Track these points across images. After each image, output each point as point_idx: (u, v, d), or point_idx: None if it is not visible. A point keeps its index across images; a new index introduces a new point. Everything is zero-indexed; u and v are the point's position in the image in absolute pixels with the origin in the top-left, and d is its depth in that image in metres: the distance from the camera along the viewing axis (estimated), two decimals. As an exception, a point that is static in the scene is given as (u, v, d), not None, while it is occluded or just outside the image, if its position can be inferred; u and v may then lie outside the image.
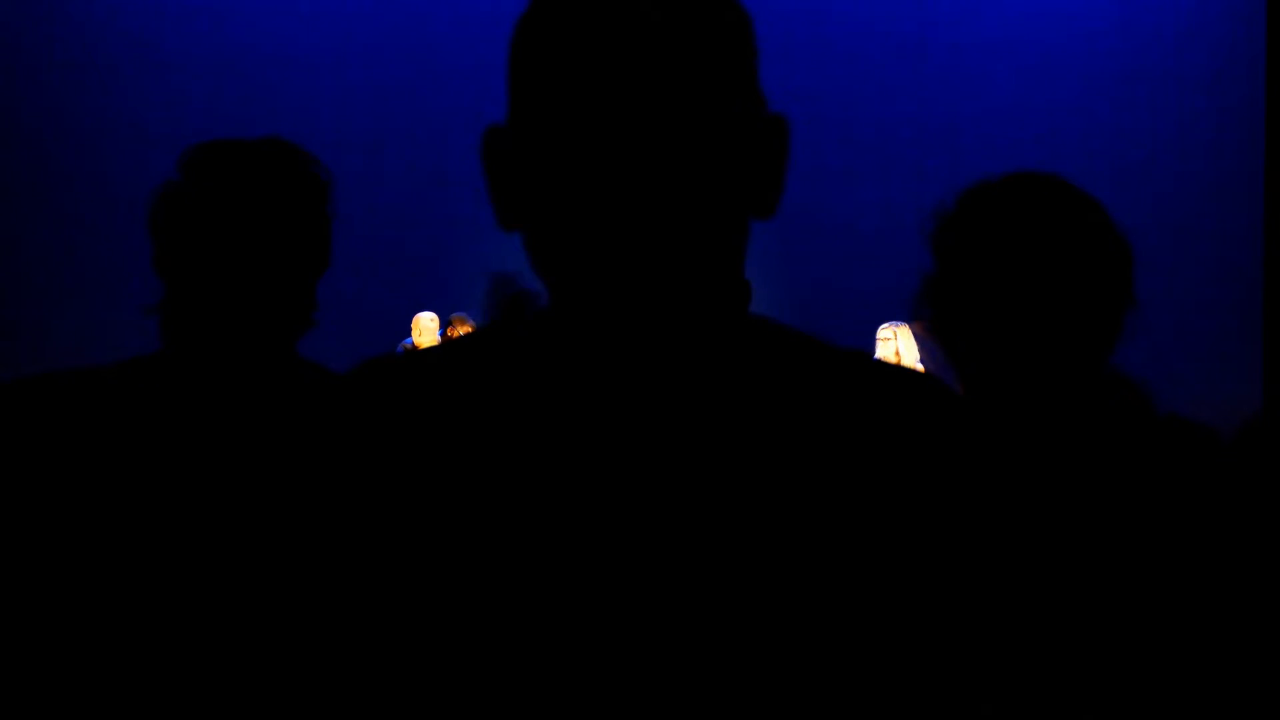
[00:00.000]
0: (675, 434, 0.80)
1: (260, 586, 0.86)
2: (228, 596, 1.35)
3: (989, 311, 1.32)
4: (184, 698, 1.36)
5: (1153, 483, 1.27)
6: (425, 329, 7.87)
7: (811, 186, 8.70)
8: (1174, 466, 1.29)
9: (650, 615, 0.78)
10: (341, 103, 9.39)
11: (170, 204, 1.46)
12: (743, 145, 0.82)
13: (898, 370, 0.88)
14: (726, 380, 0.82)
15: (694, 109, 0.79)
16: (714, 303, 0.83)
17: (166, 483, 1.39)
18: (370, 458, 0.82)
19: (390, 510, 0.81)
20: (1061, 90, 9.32)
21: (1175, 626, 1.24)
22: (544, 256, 0.83)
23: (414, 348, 7.73)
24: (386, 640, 0.80)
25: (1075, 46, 9.34)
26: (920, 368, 6.57)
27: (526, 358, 0.83)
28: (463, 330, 7.83)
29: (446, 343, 0.88)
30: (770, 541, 0.79)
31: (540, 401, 0.81)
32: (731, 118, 0.81)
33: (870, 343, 6.80)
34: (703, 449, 0.80)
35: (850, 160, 9.20)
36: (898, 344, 6.67)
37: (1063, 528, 1.25)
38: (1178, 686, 1.23)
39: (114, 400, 1.43)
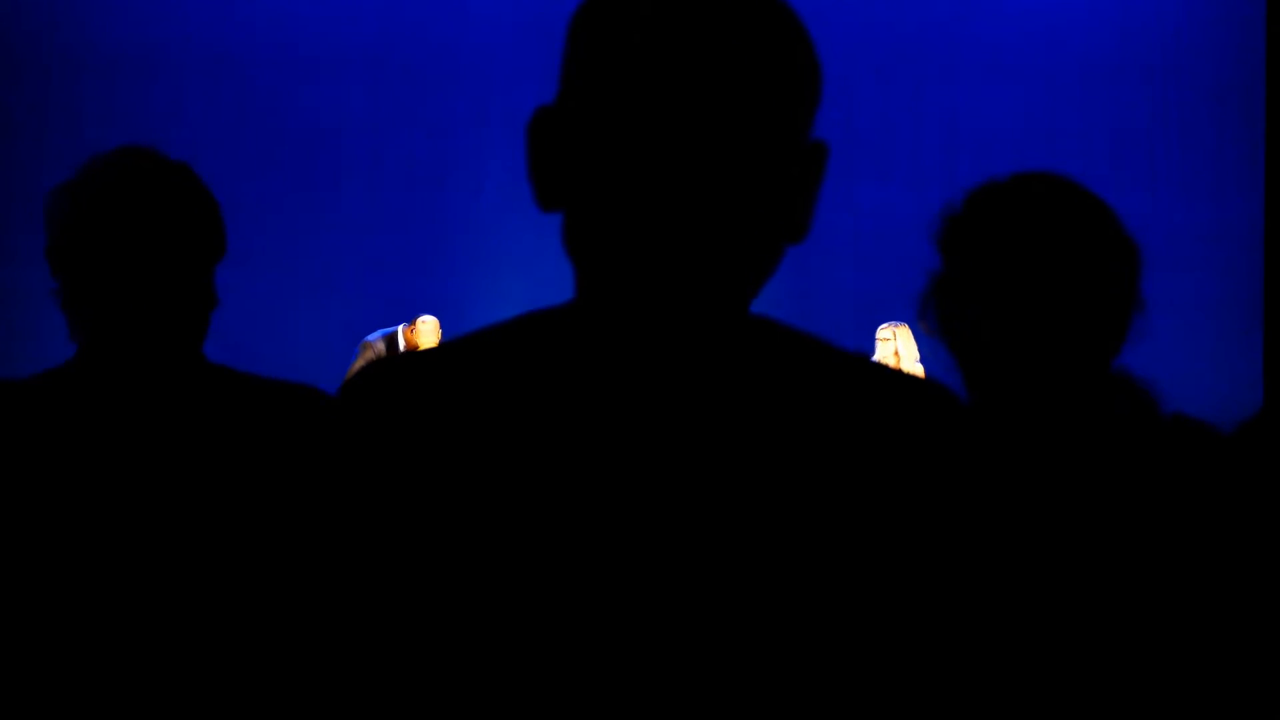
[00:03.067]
0: (690, 436, 0.80)
1: (263, 587, 0.86)
2: (223, 597, 1.35)
3: (996, 311, 1.32)
4: (168, 701, 1.36)
5: (1159, 482, 1.27)
6: (421, 332, 7.88)
7: (811, 186, 8.68)
8: (1180, 466, 1.29)
9: (655, 613, 0.78)
10: (341, 103, 9.38)
11: (57, 211, 1.49)
12: (784, 168, 0.83)
13: (898, 374, 0.88)
14: (740, 381, 0.83)
15: (745, 124, 0.80)
16: (735, 310, 0.84)
17: (93, 489, 1.39)
18: (380, 454, 0.82)
19: (399, 506, 0.81)
20: (1061, 90, 9.31)
21: (1180, 626, 1.24)
22: (578, 239, 0.84)
23: (389, 339, 7.75)
24: (392, 638, 0.80)
25: (1075, 46, 9.34)
26: (920, 368, 6.56)
27: (549, 354, 0.84)
28: (422, 329, 7.81)
29: (468, 337, 0.88)
30: (772, 542, 0.79)
31: (559, 400, 0.81)
32: (778, 139, 0.82)
33: (870, 343, 6.80)
34: (716, 451, 0.80)
35: (850, 160, 9.20)
36: (897, 344, 6.67)
37: (1068, 527, 1.25)
38: (1183, 686, 1.23)
39: (29, 412, 1.44)
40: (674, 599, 0.78)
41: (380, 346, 7.77)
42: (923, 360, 6.62)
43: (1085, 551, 1.25)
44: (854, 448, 0.82)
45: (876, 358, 6.52)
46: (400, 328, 7.87)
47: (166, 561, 1.37)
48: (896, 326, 6.72)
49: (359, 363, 7.66)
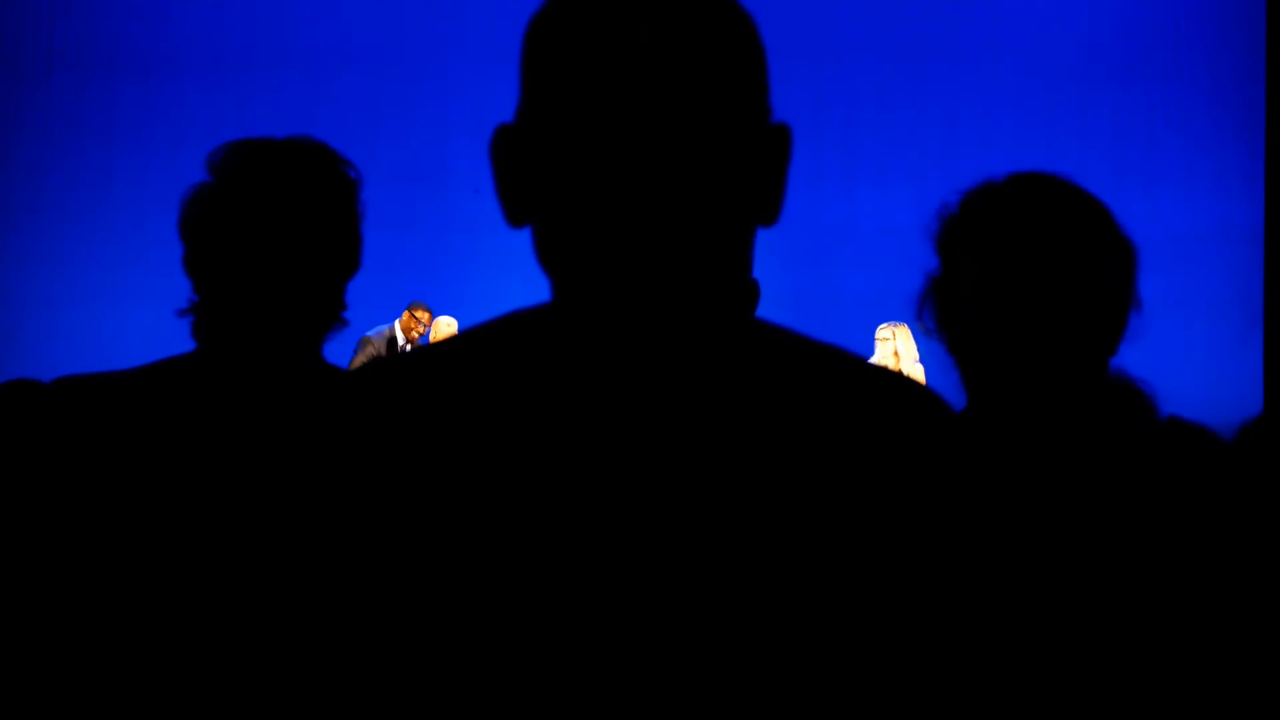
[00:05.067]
0: (672, 436, 0.80)
1: (267, 587, 0.86)
2: (240, 597, 1.35)
3: (993, 311, 1.32)
4: (193, 696, 1.36)
5: (1152, 486, 1.28)
6: (443, 334, 7.90)
7: (811, 186, 8.71)
8: (1175, 470, 1.29)
9: (646, 616, 0.78)
10: (341, 103, 9.38)
11: (202, 206, 1.46)
12: (747, 152, 0.83)
13: (891, 376, 0.88)
14: (724, 383, 0.83)
15: (702, 114, 0.81)
16: (716, 304, 0.84)
17: (198, 484, 1.38)
18: (373, 458, 0.82)
19: (392, 510, 0.81)
20: (1061, 90, 9.31)
21: (1177, 630, 1.24)
22: (551, 252, 0.85)
23: (388, 332, 7.77)
24: (389, 640, 0.80)
25: (1075, 46, 9.34)
26: (920, 368, 6.56)
27: (530, 355, 0.84)
28: (445, 331, 7.85)
29: (449, 340, 0.88)
30: (762, 545, 0.79)
31: (542, 400, 0.81)
32: (738, 125, 0.82)
33: (869, 343, 6.80)
34: (697, 452, 0.80)
35: (850, 160, 9.20)
36: (896, 344, 6.67)
37: (1060, 530, 1.25)
38: (1179, 691, 1.23)
39: (149, 403, 1.42)
40: (666, 601, 0.78)
41: (380, 340, 7.79)
42: (922, 360, 6.62)
43: (1077, 554, 1.25)
44: (843, 451, 0.82)
45: (876, 358, 6.53)
46: (397, 321, 7.88)
47: (195, 561, 1.37)
48: (896, 326, 6.73)
49: (359, 358, 7.68)
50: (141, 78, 9.50)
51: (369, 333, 7.84)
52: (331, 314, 1.51)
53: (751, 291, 0.88)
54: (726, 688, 0.78)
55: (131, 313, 9.12)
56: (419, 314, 7.88)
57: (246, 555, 1.34)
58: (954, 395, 1.21)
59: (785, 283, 8.09)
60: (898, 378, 0.88)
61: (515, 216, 0.87)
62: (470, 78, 9.32)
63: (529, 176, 0.85)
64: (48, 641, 1.38)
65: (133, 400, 1.42)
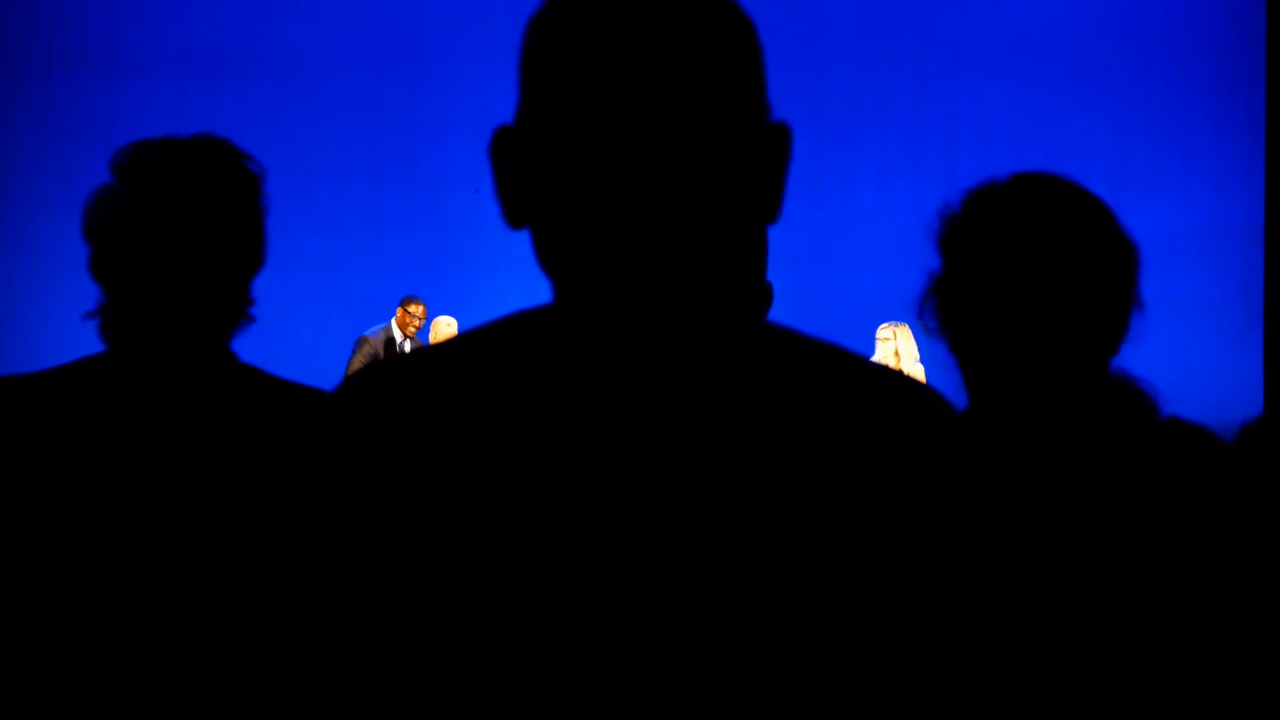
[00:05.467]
0: (675, 437, 0.80)
1: (259, 588, 0.86)
2: (214, 598, 1.35)
3: (995, 312, 1.32)
4: (171, 701, 1.36)
5: (1154, 486, 1.28)
6: (442, 334, 7.91)
7: (811, 186, 8.71)
8: (1176, 470, 1.29)
9: (649, 618, 0.78)
10: (341, 103, 9.39)
11: (104, 207, 1.46)
12: (747, 151, 0.84)
13: (898, 378, 0.88)
14: (727, 384, 0.83)
15: (701, 114, 0.81)
16: (721, 304, 0.84)
17: (116, 485, 1.39)
18: (378, 460, 0.82)
19: (398, 512, 0.81)
20: (1061, 90, 9.32)
21: (1179, 629, 1.24)
22: (553, 254, 0.85)
23: (384, 331, 7.77)
24: (390, 640, 0.80)
25: (1075, 46, 9.34)
26: (921, 368, 6.56)
27: (536, 356, 0.84)
28: (445, 331, 7.85)
29: (452, 340, 0.88)
30: (770, 545, 0.79)
31: (549, 402, 0.81)
32: (737, 124, 0.83)
33: (869, 343, 6.80)
34: (701, 453, 0.80)
35: (850, 160, 9.21)
36: (897, 344, 6.67)
37: (1061, 530, 1.25)
38: (1182, 690, 1.23)
39: (62, 404, 1.43)
40: (668, 602, 0.78)
41: (377, 340, 7.79)
42: (923, 360, 6.62)
43: (1079, 554, 1.25)
44: (837, 445, 0.82)
45: (877, 357, 6.52)
46: (393, 319, 7.88)
47: (163, 557, 1.38)
48: (896, 326, 6.73)
49: (357, 357, 7.68)
50: (141, 78, 9.51)
51: (366, 332, 7.85)
52: (239, 310, 1.51)
53: (765, 294, 0.87)
54: (739, 687, 0.78)
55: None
56: (412, 308, 7.87)
57: (245, 557, 1.34)
58: (955, 395, 1.21)
59: (785, 283, 8.08)
60: (904, 379, 0.88)
61: (515, 218, 0.87)
62: (470, 78, 9.32)
63: (529, 178, 0.85)
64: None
65: (43, 402, 1.43)
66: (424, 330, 8.00)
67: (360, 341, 7.78)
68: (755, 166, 0.85)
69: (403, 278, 8.53)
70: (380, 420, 0.83)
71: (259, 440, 1.40)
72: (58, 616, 1.38)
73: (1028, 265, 1.31)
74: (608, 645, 0.78)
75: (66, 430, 1.41)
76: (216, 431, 1.43)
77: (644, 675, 0.78)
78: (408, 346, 7.88)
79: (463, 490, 0.80)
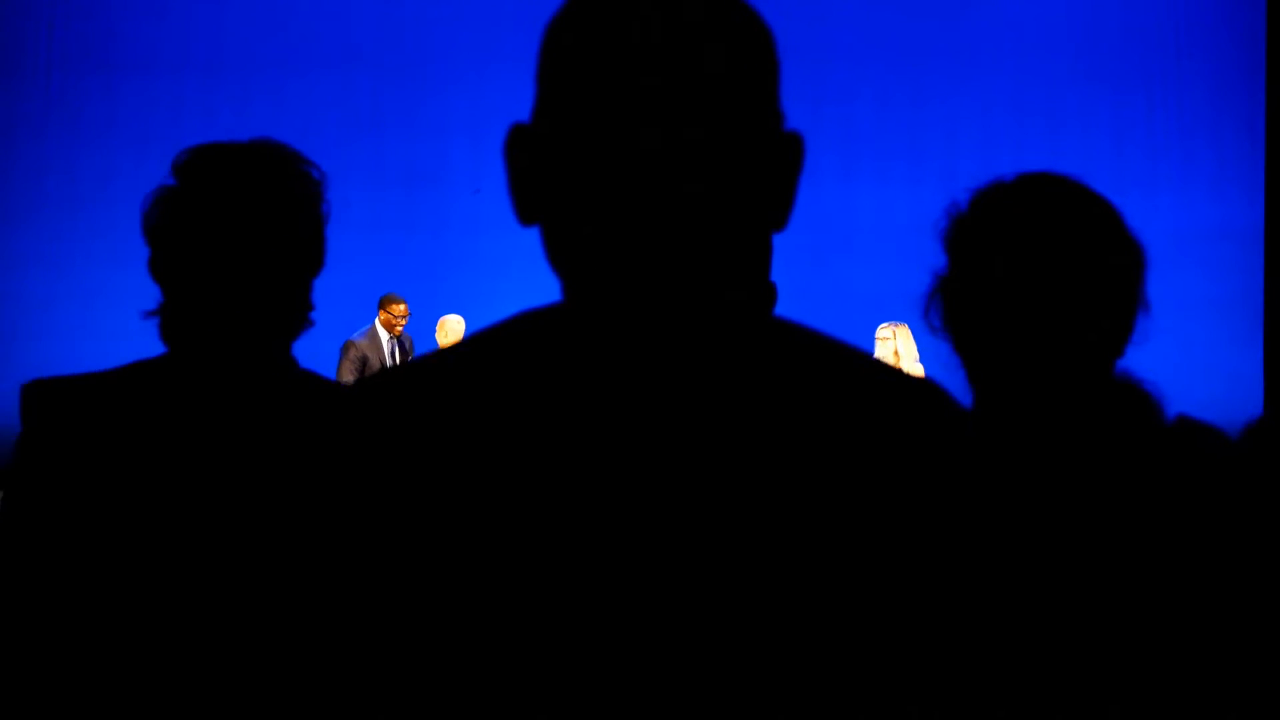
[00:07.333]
0: (684, 435, 0.80)
1: (270, 590, 0.86)
2: (234, 599, 1.35)
3: (1002, 312, 1.32)
4: (186, 698, 1.36)
5: (1163, 485, 1.27)
6: (451, 330, 7.89)
7: (811, 186, 8.71)
8: (1185, 469, 1.29)
9: (655, 618, 0.78)
10: (341, 103, 9.39)
11: (165, 209, 1.47)
12: (760, 158, 0.85)
13: (892, 371, 0.88)
14: (736, 382, 0.83)
15: (717, 119, 0.82)
16: (730, 302, 0.84)
17: (176, 486, 1.39)
18: (382, 460, 0.82)
19: (412, 515, 0.81)
20: (1061, 90, 9.32)
21: (1187, 630, 1.24)
22: (564, 252, 0.86)
23: (369, 333, 7.74)
24: (394, 642, 0.80)
25: (1075, 46, 9.35)
26: (920, 367, 6.56)
27: (548, 355, 0.84)
28: (454, 329, 7.85)
29: (462, 343, 0.88)
30: (765, 543, 0.79)
31: (562, 402, 0.82)
32: (752, 131, 0.84)
33: (869, 343, 6.80)
34: (710, 451, 0.80)
35: (850, 160, 9.21)
36: (896, 344, 6.68)
37: (1070, 530, 1.25)
38: (1192, 689, 1.23)
39: (121, 405, 1.43)
40: (675, 602, 0.78)
41: (363, 341, 7.75)
42: (922, 360, 6.62)
43: (1088, 555, 1.25)
44: (844, 446, 0.82)
45: (876, 357, 6.52)
46: (376, 321, 7.84)
47: (175, 564, 1.38)
48: (896, 326, 6.74)
49: (345, 362, 7.63)
50: (141, 78, 9.51)
51: (352, 336, 7.80)
52: (300, 314, 1.52)
53: (769, 294, 0.88)
54: (741, 686, 0.78)
55: (131, 313, 9.11)
56: (393, 307, 7.83)
57: (253, 559, 1.34)
58: (958, 395, 1.21)
59: (785, 283, 8.09)
60: (913, 378, 0.89)
61: (527, 215, 0.88)
62: (470, 78, 9.33)
63: (544, 176, 0.86)
64: (44, 643, 1.38)
65: (111, 402, 1.43)
66: (409, 327, 7.96)
67: (346, 346, 7.73)
68: (767, 174, 0.86)
69: (403, 278, 8.53)
70: (396, 424, 0.83)
71: (298, 441, 1.40)
72: (115, 615, 1.38)
73: (1035, 265, 1.31)
74: (623, 643, 0.78)
75: (131, 432, 1.41)
76: (271, 435, 1.43)
77: (658, 671, 0.78)
78: (396, 347, 7.85)
79: (479, 492, 0.80)
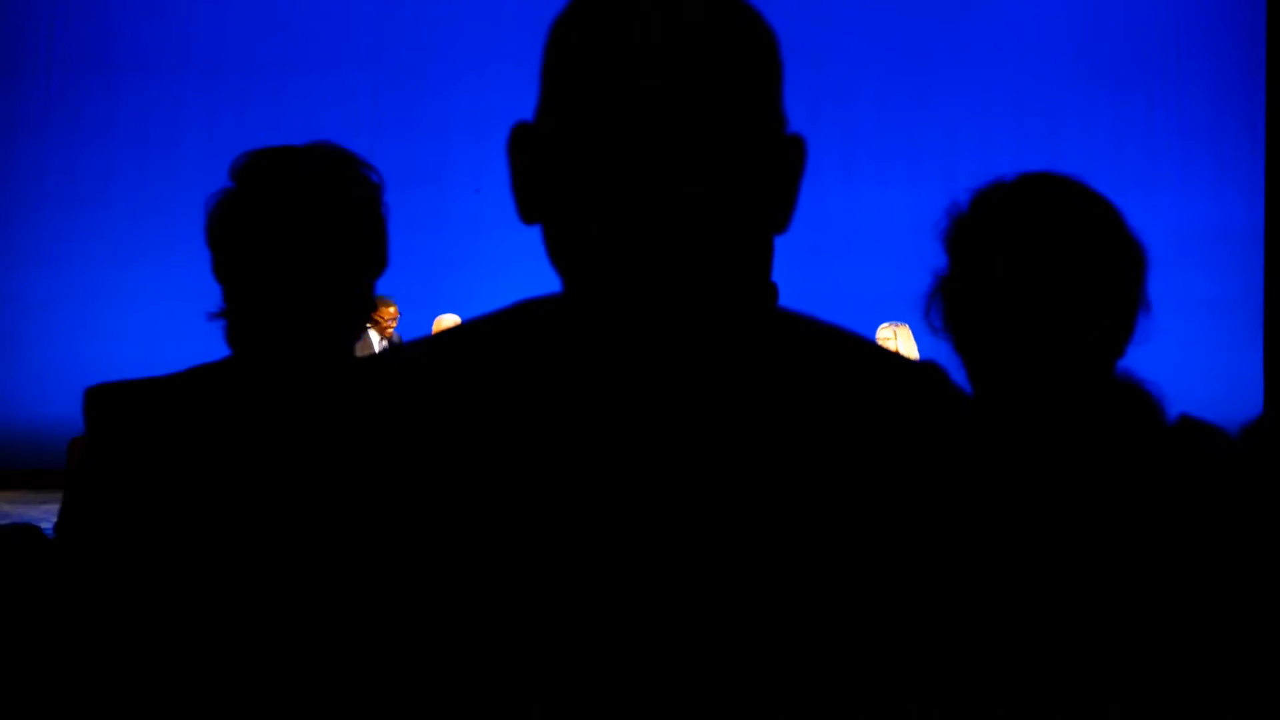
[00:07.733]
0: (684, 421, 0.81)
1: (275, 585, 0.86)
2: (246, 596, 1.35)
3: (1003, 311, 1.32)
4: (191, 696, 1.36)
5: (1166, 484, 1.27)
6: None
7: (810, 186, 8.70)
8: (1187, 468, 1.29)
9: (656, 612, 0.78)
10: (342, 103, 9.39)
11: (228, 213, 1.48)
12: (763, 160, 0.85)
13: (897, 359, 0.89)
14: (735, 367, 0.83)
15: (720, 121, 0.82)
16: (732, 297, 0.85)
17: (245, 490, 1.39)
18: (388, 451, 0.82)
19: (408, 502, 0.81)
20: (1061, 90, 9.32)
21: (1188, 628, 1.24)
22: (566, 249, 0.86)
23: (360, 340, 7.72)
24: (395, 637, 0.81)
25: (1075, 46, 9.35)
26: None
27: (547, 343, 0.84)
28: (384, 314, 7.81)
29: (459, 328, 0.88)
30: (775, 537, 0.79)
31: (560, 390, 0.82)
32: (754, 133, 0.84)
33: (870, 343, 6.80)
34: (712, 445, 0.81)
35: (849, 159, 9.21)
36: (897, 344, 6.68)
37: (1071, 528, 1.25)
38: (1192, 688, 1.23)
39: (190, 410, 1.43)
40: (676, 595, 0.78)
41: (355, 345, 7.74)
42: (923, 360, 6.62)
43: (1090, 553, 1.25)
44: (845, 436, 0.82)
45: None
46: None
47: (239, 563, 1.37)
48: (897, 326, 6.74)
49: None
50: (141, 78, 9.51)
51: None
52: (362, 315, 1.53)
53: (769, 293, 0.88)
54: (740, 680, 0.78)
55: (131, 313, 9.14)
56: (382, 310, 7.84)
57: (261, 554, 1.34)
58: (955, 395, 1.21)
59: (785, 283, 8.10)
60: (918, 365, 0.89)
61: (529, 213, 0.88)
62: (470, 78, 9.33)
63: (546, 175, 0.86)
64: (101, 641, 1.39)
65: (180, 408, 1.43)
66: (406, 328, 7.96)
67: None
68: (770, 176, 0.86)
69: (402, 278, 8.52)
70: (391, 410, 0.84)
71: (298, 441, 1.40)
72: (185, 620, 1.38)
73: (1036, 265, 1.31)
74: (624, 632, 0.78)
75: (203, 438, 1.42)
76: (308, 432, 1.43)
77: (659, 664, 0.78)
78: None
79: (474, 481, 0.80)
